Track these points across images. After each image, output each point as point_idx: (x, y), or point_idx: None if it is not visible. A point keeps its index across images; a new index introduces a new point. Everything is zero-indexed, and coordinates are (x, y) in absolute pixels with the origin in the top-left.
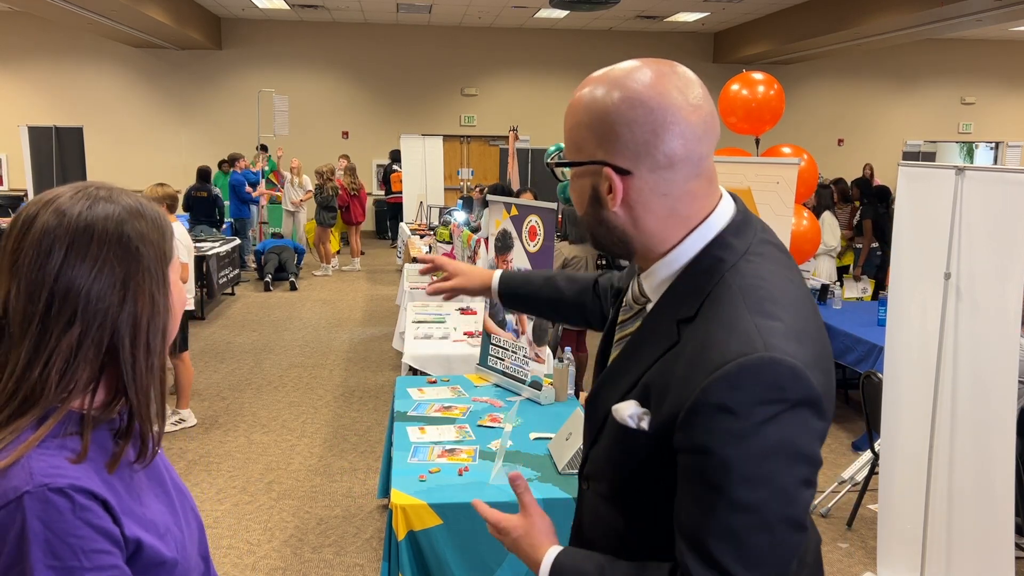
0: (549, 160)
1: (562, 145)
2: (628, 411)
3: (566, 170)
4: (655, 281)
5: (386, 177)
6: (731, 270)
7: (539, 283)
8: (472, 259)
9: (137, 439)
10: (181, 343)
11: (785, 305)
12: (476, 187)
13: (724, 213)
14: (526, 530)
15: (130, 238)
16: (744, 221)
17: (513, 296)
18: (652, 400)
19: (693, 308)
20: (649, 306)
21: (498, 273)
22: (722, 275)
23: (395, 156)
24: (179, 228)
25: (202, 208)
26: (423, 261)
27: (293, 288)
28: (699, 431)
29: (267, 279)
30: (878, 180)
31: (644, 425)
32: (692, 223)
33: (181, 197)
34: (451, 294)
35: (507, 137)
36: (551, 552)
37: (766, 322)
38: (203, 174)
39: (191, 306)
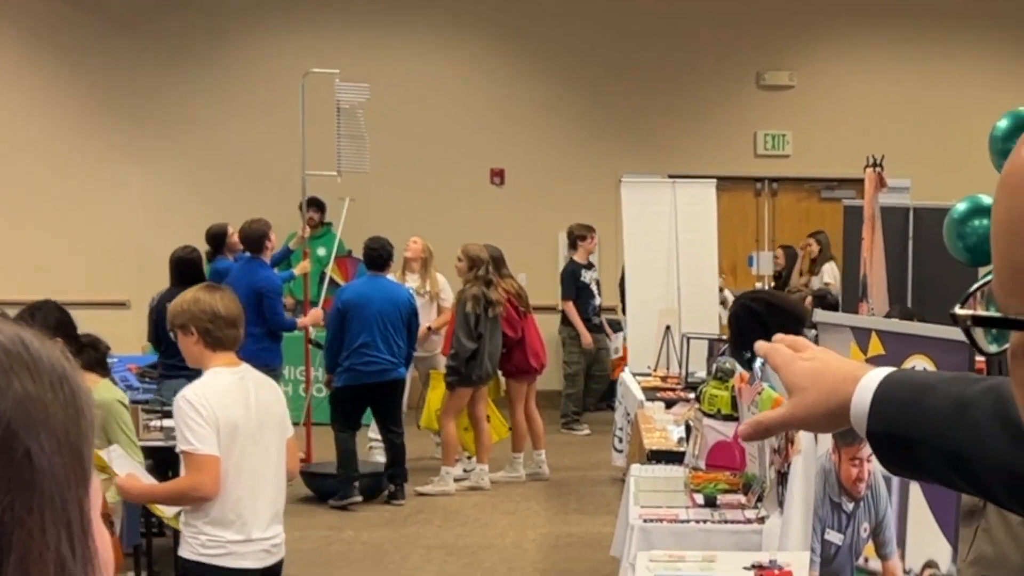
0: (959, 311)
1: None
2: None
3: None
4: None
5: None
6: None
7: (945, 411)
8: (785, 456)
9: None
10: None
11: None
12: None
13: None
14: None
15: (16, 432)
16: None
17: (893, 439)
18: None
19: None
20: None
21: (871, 377)
22: None
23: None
24: (238, 387)
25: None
26: (752, 433)
27: (392, 496)
28: None
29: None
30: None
31: None
32: None
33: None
34: (775, 430)
35: (859, 180)
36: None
37: None
38: (184, 264)
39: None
